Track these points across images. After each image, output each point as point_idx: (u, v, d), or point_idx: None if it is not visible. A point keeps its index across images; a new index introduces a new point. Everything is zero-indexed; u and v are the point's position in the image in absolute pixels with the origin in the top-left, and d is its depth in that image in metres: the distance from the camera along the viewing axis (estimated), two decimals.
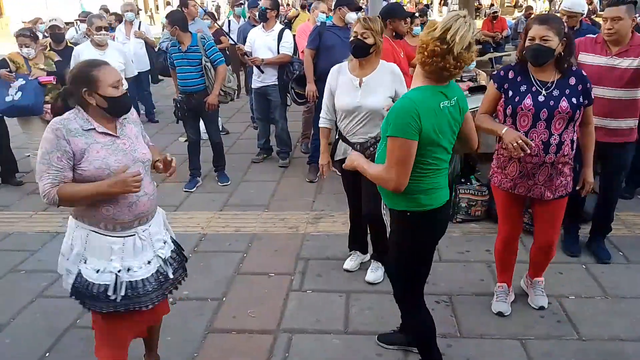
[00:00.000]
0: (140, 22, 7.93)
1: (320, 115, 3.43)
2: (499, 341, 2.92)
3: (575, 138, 2.79)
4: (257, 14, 6.34)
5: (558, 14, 5.01)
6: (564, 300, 3.26)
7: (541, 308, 3.15)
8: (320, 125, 3.44)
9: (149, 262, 2.30)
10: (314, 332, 3.01)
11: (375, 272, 3.50)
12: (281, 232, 4.34)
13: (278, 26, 5.76)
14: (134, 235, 2.25)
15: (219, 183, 5.44)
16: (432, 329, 2.53)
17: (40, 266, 3.90)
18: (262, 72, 5.61)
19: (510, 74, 2.82)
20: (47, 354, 2.93)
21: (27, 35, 4.98)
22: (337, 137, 3.37)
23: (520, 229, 3.10)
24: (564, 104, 2.67)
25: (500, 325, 3.05)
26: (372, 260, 3.59)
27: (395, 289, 2.55)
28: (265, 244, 4.15)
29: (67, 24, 11.72)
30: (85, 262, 2.19)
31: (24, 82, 4.86)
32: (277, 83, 5.67)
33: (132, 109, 2.35)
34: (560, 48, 2.63)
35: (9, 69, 4.89)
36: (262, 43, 5.66)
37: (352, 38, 3.16)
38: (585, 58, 3.46)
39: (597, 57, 3.41)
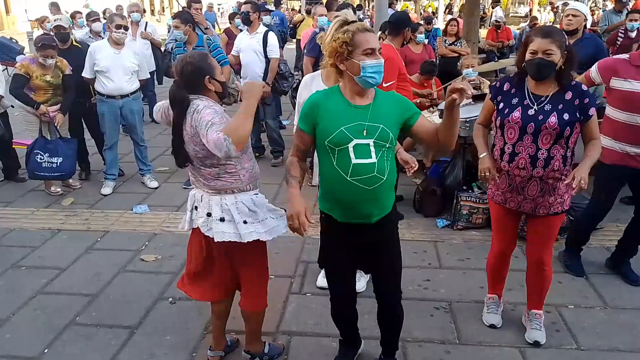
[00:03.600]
0: (146, 23, 7.96)
1: (296, 117, 3.35)
2: (498, 348, 2.93)
3: (569, 154, 2.69)
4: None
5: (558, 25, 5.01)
6: (564, 309, 3.26)
7: (536, 343, 2.93)
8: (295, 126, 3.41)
9: None
10: (313, 335, 3.02)
11: (359, 282, 3.46)
12: (282, 235, 4.29)
13: (262, 28, 5.87)
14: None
15: None
16: None
17: (41, 263, 3.91)
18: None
19: (506, 86, 2.77)
20: (46, 350, 2.94)
21: (54, 46, 4.88)
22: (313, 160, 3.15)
23: (513, 244, 3.02)
24: (552, 119, 2.59)
25: (499, 333, 3.05)
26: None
27: (398, 289, 2.55)
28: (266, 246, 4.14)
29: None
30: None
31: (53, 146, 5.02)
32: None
33: None
34: (562, 62, 2.56)
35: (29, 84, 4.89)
36: (248, 46, 5.77)
37: None
38: (621, 84, 3.25)
39: (637, 82, 3.19)
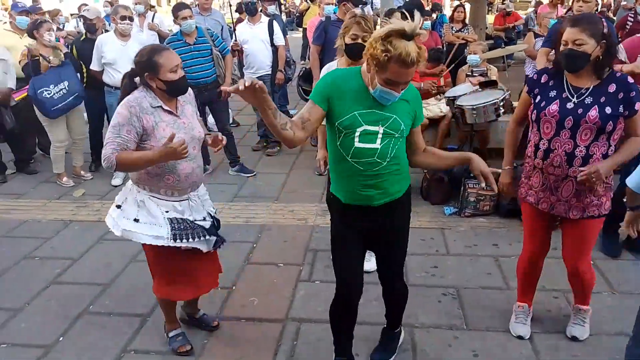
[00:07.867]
0: (154, 15, 7.96)
1: None
2: (506, 334, 2.95)
3: (611, 152, 2.47)
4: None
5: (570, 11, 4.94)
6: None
7: (574, 339, 2.87)
8: None
9: (204, 219, 2.71)
10: (322, 322, 3.05)
11: (370, 262, 3.46)
12: (290, 224, 4.38)
13: (264, 18, 5.94)
14: (187, 199, 2.65)
15: (242, 174, 5.48)
16: None
17: (53, 253, 3.98)
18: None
19: (544, 78, 2.58)
20: (60, 339, 3.00)
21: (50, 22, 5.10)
22: None
23: (546, 248, 2.85)
24: (593, 112, 2.38)
25: (506, 319, 3.06)
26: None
27: (400, 276, 2.66)
28: (275, 235, 4.19)
29: (71, 14, 11.91)
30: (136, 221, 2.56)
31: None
32: (269, 72, 5.84)
33: (190, 90, 2.67)
34: (598, 51, 2.35)
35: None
36: (252, 36, 5.79)
37: (351, 40, 3.14)
38: None
39: None
